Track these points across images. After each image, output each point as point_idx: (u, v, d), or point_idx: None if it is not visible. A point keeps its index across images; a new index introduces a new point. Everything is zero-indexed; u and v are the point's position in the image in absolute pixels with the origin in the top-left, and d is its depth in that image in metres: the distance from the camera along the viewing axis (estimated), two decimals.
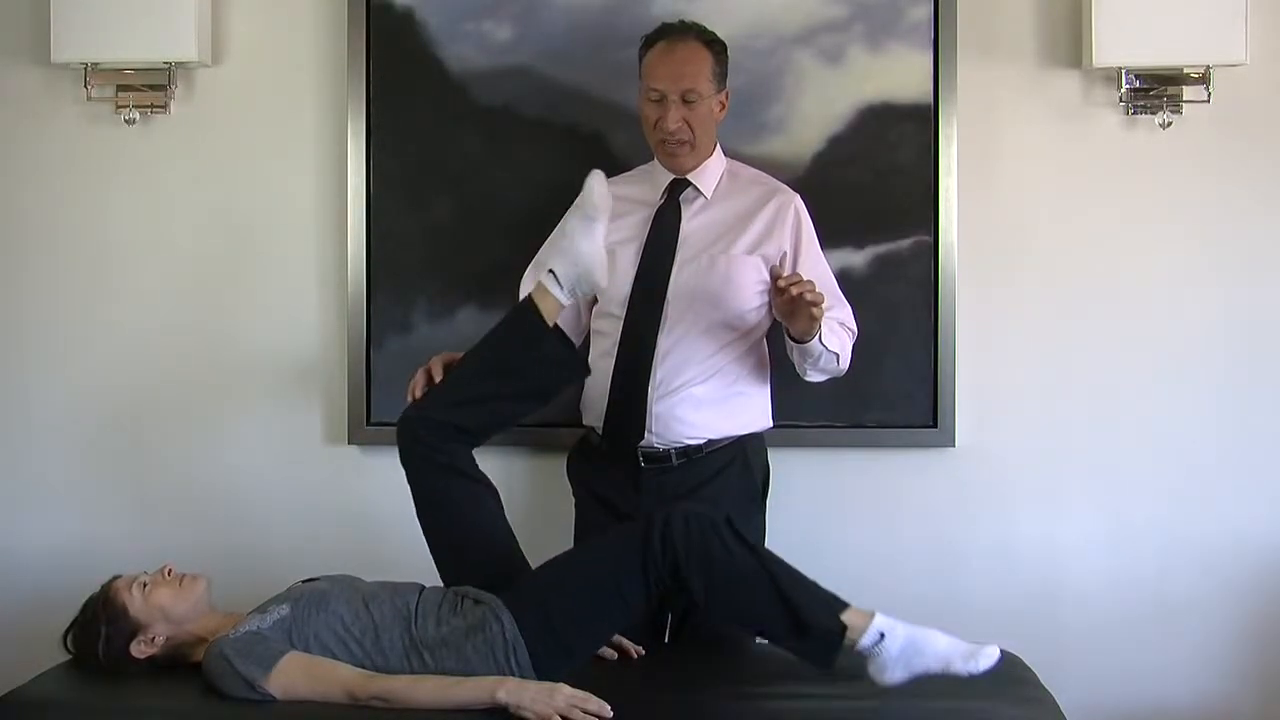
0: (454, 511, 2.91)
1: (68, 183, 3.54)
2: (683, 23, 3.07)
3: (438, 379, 2.99)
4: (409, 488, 2.94)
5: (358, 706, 2.60)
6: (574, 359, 2.98)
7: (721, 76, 3.05)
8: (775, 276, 2.84)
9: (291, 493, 3.52)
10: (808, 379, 3.03)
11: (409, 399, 3.00)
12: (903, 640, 2.67)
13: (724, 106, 3.08)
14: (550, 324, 2.89)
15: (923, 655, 2.67)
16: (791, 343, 2.96)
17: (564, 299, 2.88)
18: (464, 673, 2.64)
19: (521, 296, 3.16)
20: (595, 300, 3.12)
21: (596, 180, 2.87)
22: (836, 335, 2.98)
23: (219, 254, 3.52)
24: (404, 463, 2.94)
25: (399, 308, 3.44)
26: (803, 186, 3.17)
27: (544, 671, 2.65)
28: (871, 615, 2.68)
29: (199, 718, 2.64)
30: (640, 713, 2.59)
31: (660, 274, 3.04)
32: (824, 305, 2.88)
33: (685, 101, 2.99)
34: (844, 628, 2.67)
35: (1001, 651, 2.71)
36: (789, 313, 2.87)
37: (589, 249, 2.85)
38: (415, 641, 2.71)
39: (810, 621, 2.67)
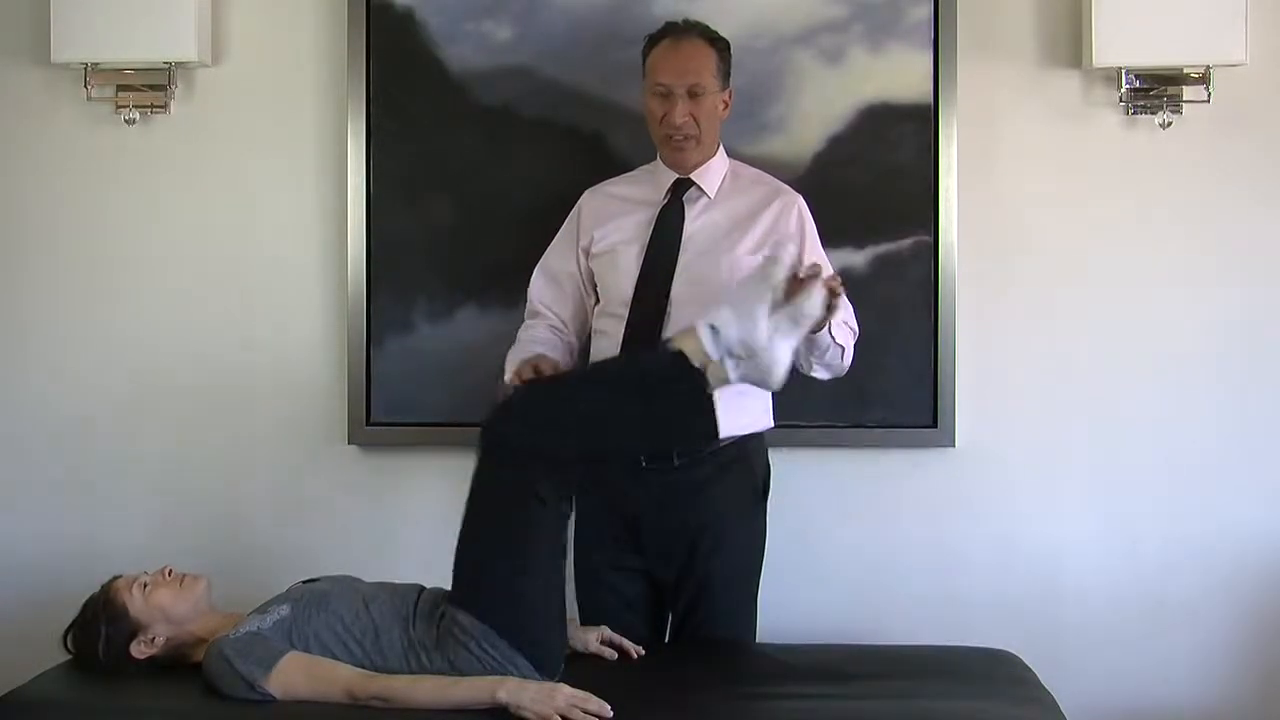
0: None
1: (68, 183, 3.53)
2: (686, 21, 3.07)
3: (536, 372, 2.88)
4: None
5: (358, 706, 2.60)
6: (715, 425, 2.73)
7: (725, 74, 3.05)
8: (796, 269, 2.76)
9: (291, 493, 3.52)
10: (811, 374, 3.02)
11: (511, 382, 2.89)
12: (727, 312, 2.64)
13: (728, 105, 3.08)
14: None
15: (748, 302, 2.65)
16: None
17: (713, 354, 2.66)
18: (456, 674, 2.64)
19: (531, 295, 3.15)
20: (598, 300, 3.12)
21: (779, 266, 2.70)
22: (842, 330, 2.97)
23: (219, 254, 3.52)
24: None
25: (399, 308, 3.44)
26: (803, 186, 3.17)
27: (529, 646, 2.66)
28: (693, 329, 2.66)
29: (199, 718, 2.64)
30: (640, 713, 2.59)
31: (663, 274, 3.04)
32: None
33: (691, 96, 3.00)
34: (680, 353, 2.65)
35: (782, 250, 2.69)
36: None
37: (780, 355, 2.67)
38: (414, 642, 2.71)
39: (670, 382, 2.66)
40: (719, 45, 3.05)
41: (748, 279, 2.75)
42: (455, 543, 2.74)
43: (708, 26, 3.07)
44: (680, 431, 2.82)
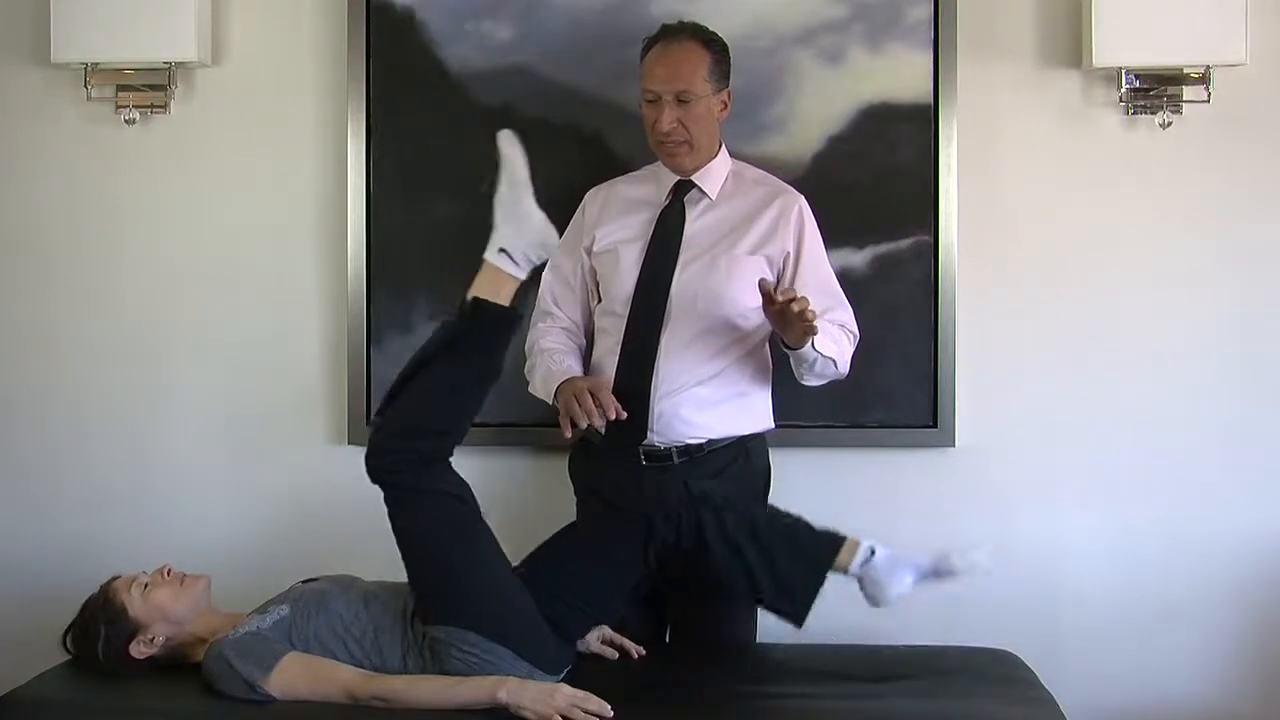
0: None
1: (68, 183, 3.54)
2: (681, 23, 3.06)
3: (608, 406, 2.90)
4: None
5: (358, 706, 2.61)
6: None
7: (721, 76, 3.05)
8: (766, 292, 2.80)
9: (291, 493, 3.52)
10: (804, 383, 3.03)
11: (584, 424, 2.91)
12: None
13: (726, 106, 3.08)
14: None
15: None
16: (785, 349, 2.96)
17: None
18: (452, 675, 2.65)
19: (544, 296, 3.16)
20: (600, 299, 3.12)
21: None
22: (834, 340, 2.97)
23: (218, 254, 3.52)
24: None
25: (399, 308, 3.44)
26: (803, 186, 3.17)
27: (509, 639, 2.67)
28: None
29: (199, 718, 2.64)
30: (640, 713, 2.60)
31: (663, 274, 3.04)
32: (820, 311, 2.88)
33: (680, 102, 2.99)
34: (473, 300, 2.77)
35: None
36: (782, 325, 2.86)
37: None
38: (414, 642, 2.71)
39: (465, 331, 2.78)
40: (714, 47, 3.04)
41: (502, 189, 2.82)
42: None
43: (703, 28, 3.06)
44: (486, 356, 2.86)
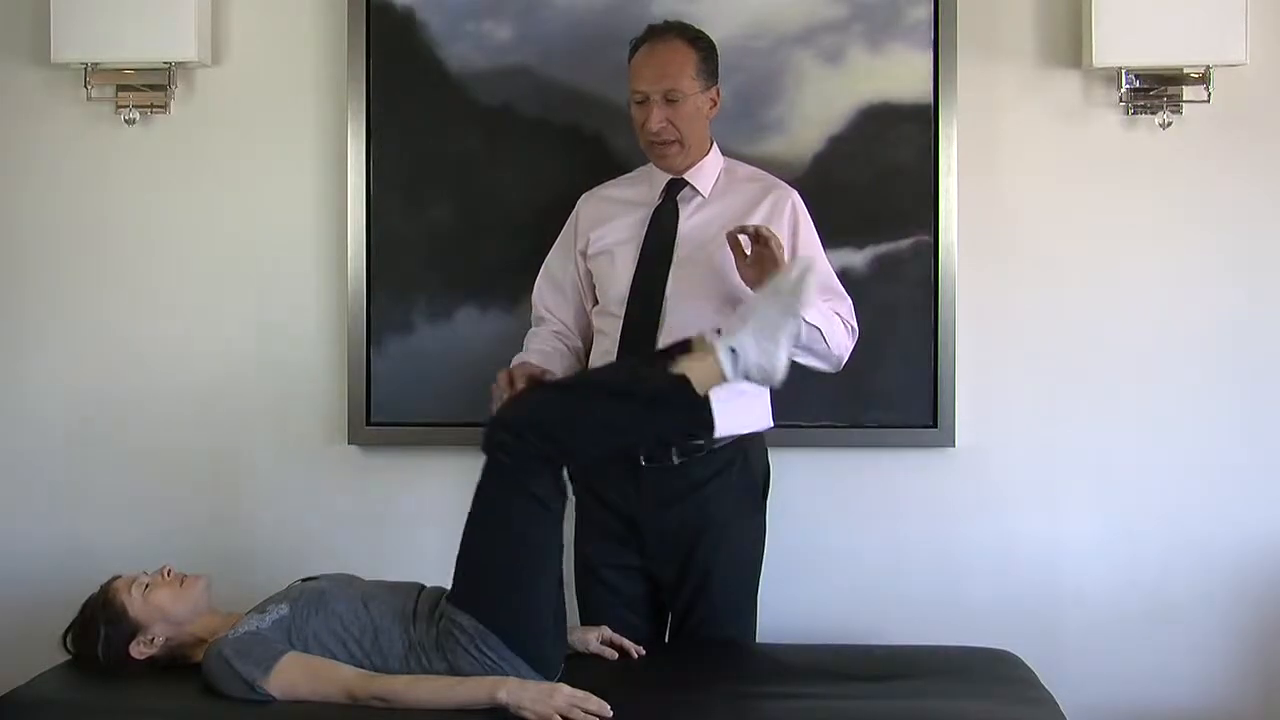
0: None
1: (68, 183, 3.54)
2: (667, 23, 3.07)
3: (503, 383, 2.92)
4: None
5: (357, 706, 2.60)
6: (712, 427, 2.75)
7: (709, 74, 3.05)
8: (729, 238, 2.83)
9: (291, 493, 3.52)
10: (797, 360, 3.00)
11: (496, 404, 2.91)
12: (748, 335, 2.66)
13: (715, 104, 3.08)
14: (702, 394, 2.70)
15: (769, 321, 2.67)
16: None
17: (728, 376, 2.67)
18: (456, 674, 2.64)
19: (535, 301, 3.16)
20: (597, 300, 3.12)
21: (812, 277, 2.73)
22: (822, 315, 2.95)
23: (218, 254, 3.52)
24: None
25: (399, 308, 3.44)
26: (803, 186, 3.17)
27: (527, 647, 2.66)
28: (711, 349, 2.67)
29: (199, 718, 2.64)
30: (640, 713, 2.59)
31: (658, 273, 3.04)
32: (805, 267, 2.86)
33: (668, 101, 2.99)
34: (683, 378, 2.66)
35: (805, 260, 2.74)
36: (756, 275, 2.85)
37: (782, 347, 2.68)
38: (414, 641, 2.71)
39: (662, 402, 2.69)
40: (700, 45, 3.04)
41: (773, 297, 2.69)
42: (458, 542, 2.74)
43: (689, 26, 3.06)
44: (679, 437, 2.90)
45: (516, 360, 3.04)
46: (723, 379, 2.68)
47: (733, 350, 2.67)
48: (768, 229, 2.84)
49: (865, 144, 3.37)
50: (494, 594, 2.70)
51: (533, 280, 3.20)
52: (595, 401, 2.76)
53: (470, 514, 2.74)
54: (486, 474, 2.73)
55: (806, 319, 2.88)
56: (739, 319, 2.72)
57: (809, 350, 2.97)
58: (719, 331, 2.72)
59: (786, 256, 3.03)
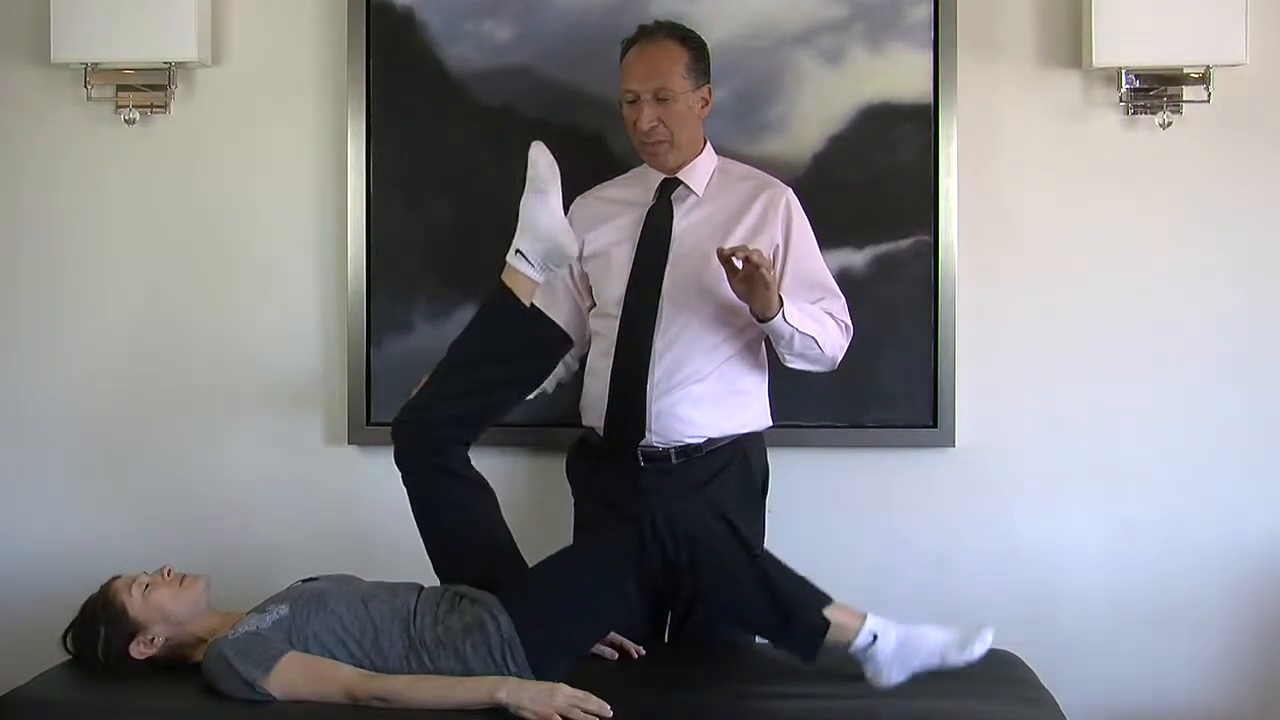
0: (451, 512, 2.92)
1: (68, 183, 3.54)
2: (658, 23, 3.07)
3: None
4: (405, 489, 2.94)
5: (357, 706, 2.60)
6: (558, 334, 2.97)
7: (700, 73, 3.05)
8: (724, 258, 2.84)
9: (291, 493, 3.52)
10: (790, 366, 3.02)
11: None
12: (895, 640, 2.67)
13: (707, 103, 3.08)
14: (527, 303, 2.89)
15: (918, 652, 2.67)
16: (759, 323, 2.95)
17: (536, 275, 2.89)
18: (462, 673, 2.64)
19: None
20: (594, 303, 3.12)
21: (539, 150, 2.88)
22: (815, 320, 2.96)
23: (218, 254, 3.52)
24: (400, 464, 2.94)
25: (399, 308, 3.44)
26: (803, 186, 3.17)
27: (540, 669, 2.65)
28: (863, 617, 2.67)
29: (199, 718, 2.64)
30: (640, 713, 2.59)
31: (654, 273, 3.04)
32: (810, 303, 2.93)
33: (659, 100, 3.00)
34: (827, 623, 2.67)
35: (992, 642, 2.73)
36: (746, 291, 2.87)
37: (548, 219, 2.87)
38: (414, 642, 2.71)
39: (796, 614, 2.67)
40: (691, 44, 3.04)
41: (950, 646, 2.71)
42: (544, 558, 2.80)
43: (679, 26, 3.07)
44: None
45: None
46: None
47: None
48: (758, 254, 2.83)
49: (865, 144, 3.37)
50: (549, 623, 2.70)
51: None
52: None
53: (578, 548, 2.90)
54: (612, 524, 2.84)
55: (799, 328, 2.89)
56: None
57: (803, 357, 2.98)
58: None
59: (780, 253, 3.04)
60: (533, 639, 2.67)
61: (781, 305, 2.88)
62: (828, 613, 2.68)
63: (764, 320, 2.91)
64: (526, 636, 2.67)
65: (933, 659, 2.68)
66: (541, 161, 2.88)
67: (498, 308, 2.91)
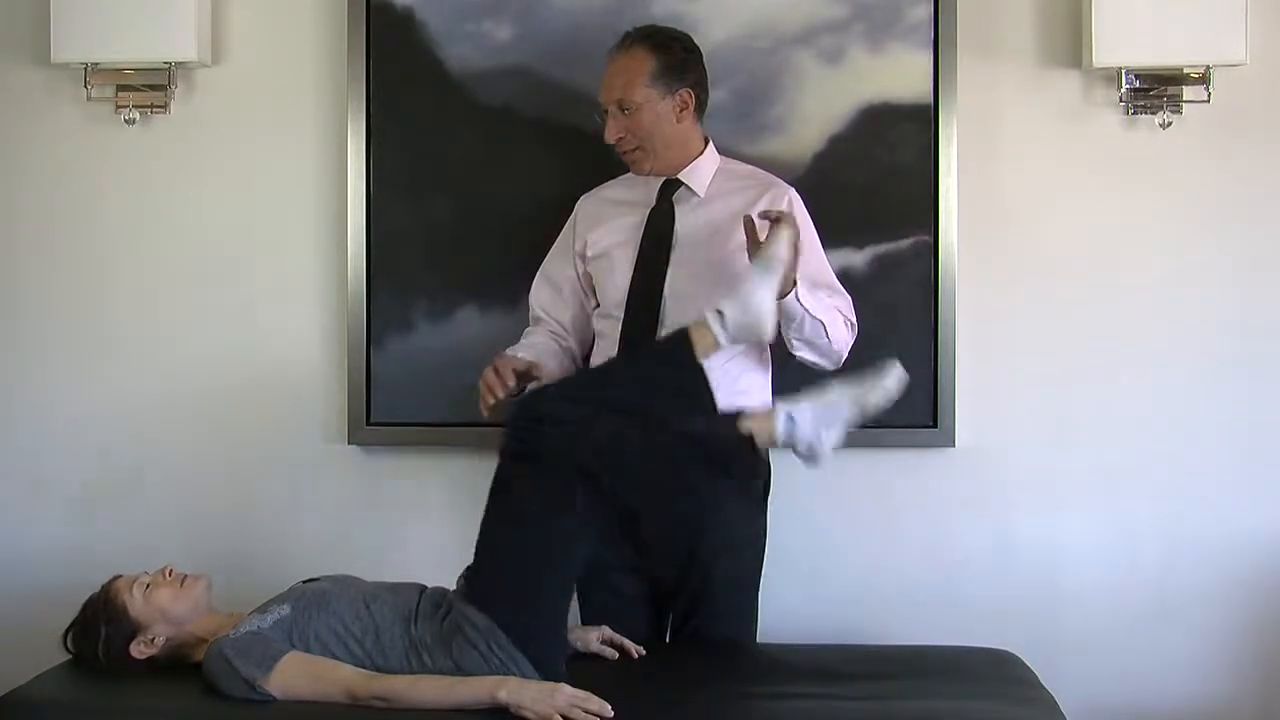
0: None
1: (68, 183, 3.54)
2: (638, 29, 3.05)
3: (509, 383, 2.94)
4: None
5: (358, 706, 2.60)
6: (712, 400, 2.82)
7: (673, 78, 3.00)
8: (746, 225, 2.85)
9: (291, 493, 3.52)
10: (796, 354, 3.00)
11: (488, 399, 2.94)
12: (810, 413, 2.74)
13: (686, 106, 3.04)
14: (701, 362, 2.81)
15: (836, 411, 2.76)
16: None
17: (722, 340, 2.81)
18: (460, 673, 2.64)
19: (532, 302, 3.16)
20: (597, 303, 3.12)
21: (786, 239, 2.82)
22: (825, 309, 2.96)
23: (218, 254, 3.52)
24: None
25: (399, 308, 3.43)
26: (803, 186, 3.17)
27: (530, 648, 2.65)
28: (772, 409, 2.76)
29: (199, 718, 2.64)
30: (640, 713, 2.59)
31: (655, 274, 3.04)
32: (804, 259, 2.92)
33: (622, 110, 2.99)
34: (749, 439, 2.73)
35: (901, 368, 2.80)
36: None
37: (764, 301, 2.80)
38: (415, 642, 2.71)
39: (727, 459, 2.75)
40: (665, 49, 3.01)
41: (853, 387, 2.79)
42: (458, 542, 2.73)
43: (658, 31, 3.05)
44: (678, 398, 2.85)
45: (505, 353, 3.04)
46: (709, 333, 2.79)
47: (719, 312, 2.78)
48: (787, 214, 2.84)
49: (865, 144, 3.37)
50: (513, 596, 2.70)
51: (533, 280, 3.20)
52: (606, 375, 2.86)
53: (494, 513, 2.74)
54: (517, 474, 2.72)
55: (811, 311, 2.89)
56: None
57: (811, 345, 2.98)
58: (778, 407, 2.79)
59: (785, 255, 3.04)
60: (513, 624, 2.66)
61: (794, 285, 2.87)
62: (743, 428, 2.74)
63: (780, 297, 2.90)
64: (506, 623, 2.66)
65: (854, 410, 2.76)
66: (788, 253, 2.81)
67: (676, 354, 2.81)
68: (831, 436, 2.75)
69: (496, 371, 2.96)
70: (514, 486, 2.73)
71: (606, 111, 3.02)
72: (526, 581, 2.71)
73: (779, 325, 2.94)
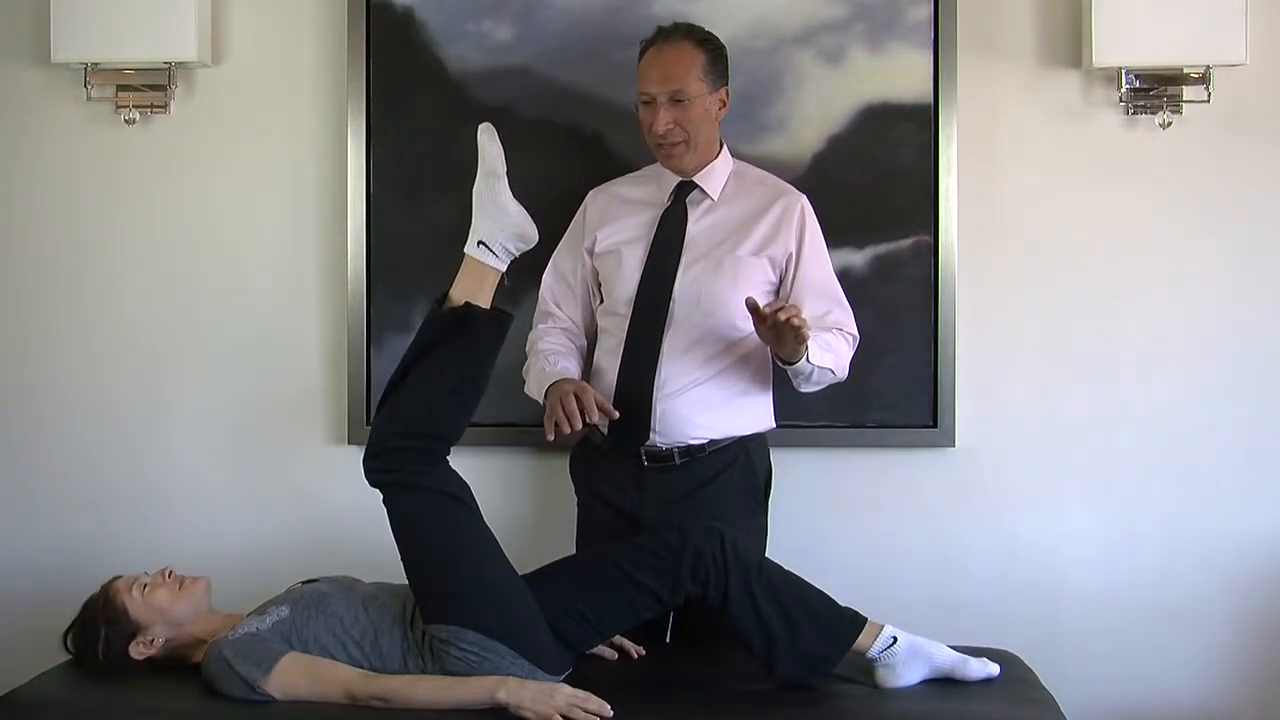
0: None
1: (68, 183, 3.54)
2: (675, 25, 3.06)
3: (593, 418, 2.93)
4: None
5: (357, 707, 2.60)
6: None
7: (718, 75, 3.04)
8: (754, 310, 2.81)
9: (292, 493, 3.52)
10: (801, 390, 3.03)
11: (565, 429, 2.92)
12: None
13: (724, 105, 3.08)
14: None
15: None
16: (780, 364, 2.96)
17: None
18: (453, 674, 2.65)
19: (544, 296, 3.18)
20: (602, 299, 3.12)
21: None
22: (829, 349, 2.96)
23: (219, 254, 3.52)
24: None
25: (399, 308, 3.44)
26: (803, 186, 3.17)
27: (508, 635, 2.67)
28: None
29: (199, 718, 2.64)
30: (640, 713, 2.59)
31: (666, 275, 3.04)
32: (820, 314, 2.94)
33: (675, 102, 2.99)
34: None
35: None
36: (774, 339, 2.86)
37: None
38: (414, 643, 2.71)
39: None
40: (709, 46, 3.03)
41: (482, 186, 2.85)
42: (406, 577, 2.78)
43: (697, 28, 3.06)
44: (489, 346, 2.86)
45: (542, 371, 3.04)
46: (489, 269, 2.82)
47: (480, 243, 2.82)
48: (796, 313, 2.79)
49: (865, 144, 3.37)
50: (448, 593, 2.71)
51: (533, 280, 3.20)
52: (418, 374, 2.80)
53: (398, 542, 2.77)
54: (390, 501, 2.78)
55: (819, 364, 2.91)
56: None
57: (819, 384, 3.00)
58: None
59: (792, 261, 3.04)
60: (469, 620, 2.67)
61: (805, 350, 2.86)
62: (453, 304, 2.78)
63: (788, 363, 2.91)
64: (465, 623, 2.67)
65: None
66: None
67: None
68: (913, 678, 2.75)
69: (579, 400, 2.93)
70: (396, 515, 2.77)
71: (650, 103, 3.00)
72: (458, 578, 2.72)
73: (786, 373, 2.95)
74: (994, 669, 2.77)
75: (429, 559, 2.75)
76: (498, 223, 2.82)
